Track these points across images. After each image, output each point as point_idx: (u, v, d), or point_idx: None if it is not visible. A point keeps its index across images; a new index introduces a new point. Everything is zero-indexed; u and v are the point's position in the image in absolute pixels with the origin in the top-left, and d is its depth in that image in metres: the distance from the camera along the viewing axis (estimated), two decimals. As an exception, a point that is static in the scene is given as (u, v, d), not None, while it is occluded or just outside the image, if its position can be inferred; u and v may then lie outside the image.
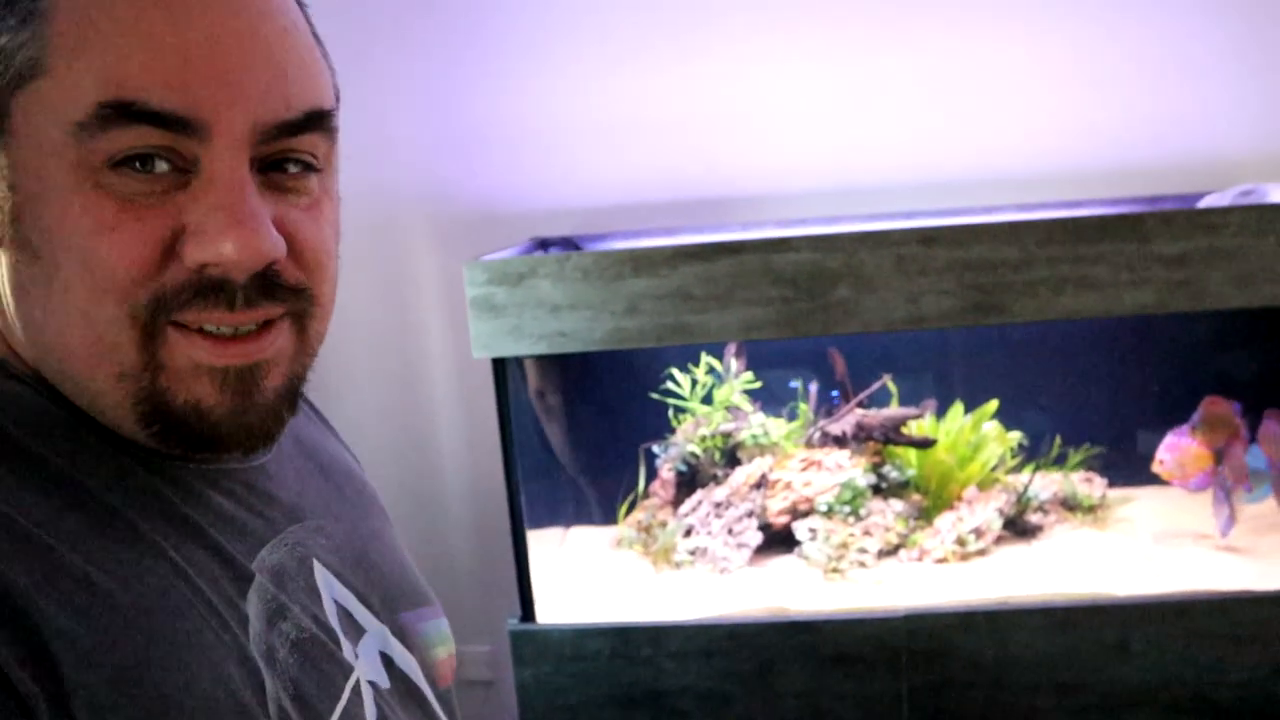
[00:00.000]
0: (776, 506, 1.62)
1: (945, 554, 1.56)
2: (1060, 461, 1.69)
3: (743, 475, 1.64)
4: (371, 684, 0.69)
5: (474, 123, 1.77)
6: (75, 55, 0.54)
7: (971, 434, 1.64)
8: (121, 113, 0.53)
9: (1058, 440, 1.68)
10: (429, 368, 1.84)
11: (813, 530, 1.58)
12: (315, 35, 0.63)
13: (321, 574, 0.71)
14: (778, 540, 1.62)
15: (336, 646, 0.68)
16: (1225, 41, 1.65)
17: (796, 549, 1.60)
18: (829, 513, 1.59)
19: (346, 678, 0.67)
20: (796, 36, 1.70)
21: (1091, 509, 1.66)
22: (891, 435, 1.63)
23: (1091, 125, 1.68)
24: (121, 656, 0.53)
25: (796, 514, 1.61)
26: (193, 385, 0.58)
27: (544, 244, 1.69)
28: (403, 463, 1.84)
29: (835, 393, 1.69)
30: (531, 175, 1.78)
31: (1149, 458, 1.56)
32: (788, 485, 1.63)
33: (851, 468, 1.62)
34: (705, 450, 1.69)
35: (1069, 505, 1.67)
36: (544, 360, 1.62)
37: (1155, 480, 1.58)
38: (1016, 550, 1.60)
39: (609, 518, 1.75)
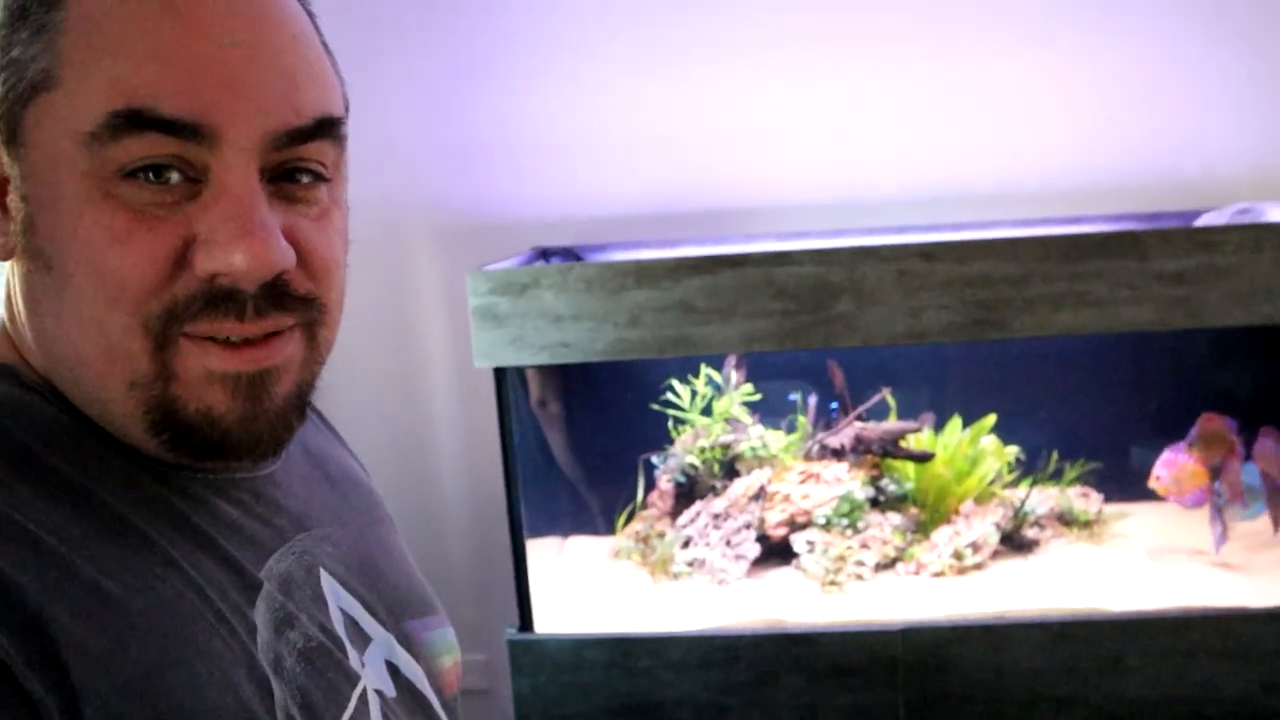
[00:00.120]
0: (775, 519, 1.63)
1: (942, 567, 1.56)
2: (1057, 476, 1.70)
3: (741, 487, 1.64)
4: (378, 692, 0.69)
5: (477, 133, 1.78)
6: (86, 66, 0.54)
7: (969, 448, 1.65)
8: (132, 121, 0.53)
9: (1055, 455, 1.69)
10: (429, 376, 1.85)
11: (810, 543, 1.59)
12: (325, 45, 0.64)
13: (328, 582, 0.71)
14: (775, 552, 1.62)
15: (343, 655, 0.68)
16: (1224, 63, 1.66)
17: (794, 561, 1.60)
18: (827, 525, 1.60)
19: (353, 686, 0.67)
20: (799, 51, 1.71)
21: (1088, 524, 1.67)
22: (890, 449, 1.63)
23: (1090, 142, 1.69)
24: (131, 664, 0.53)
25: (794, 526, 1.62)
26: (204, 393, 0.58)
27: (545, 254, 1.69)
28: (401, 470, 1.84)
29: (835, 405, 1.70)
30: (533, 185, 1.79)
31: (1145, 473, 1.57)
32: (786, 497, 1.63)
33: (850, 481, 1.63)
34: (704, 462, 1.70)
35: (1065, 520, 1.67)
36: (544, 370, 1.63)
37: (1151, 496, 1.58)
38: (1013, 564, 1.60)
39: (607, 528, 1.75)
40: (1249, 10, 1.65)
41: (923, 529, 1.63)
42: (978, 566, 1.58)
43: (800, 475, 1.65)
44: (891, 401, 1.67)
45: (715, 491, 1.67)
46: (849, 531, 1.59)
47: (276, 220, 0.58)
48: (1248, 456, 1.52)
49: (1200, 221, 1.54)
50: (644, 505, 1.74)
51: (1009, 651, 1.39)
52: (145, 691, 0.53)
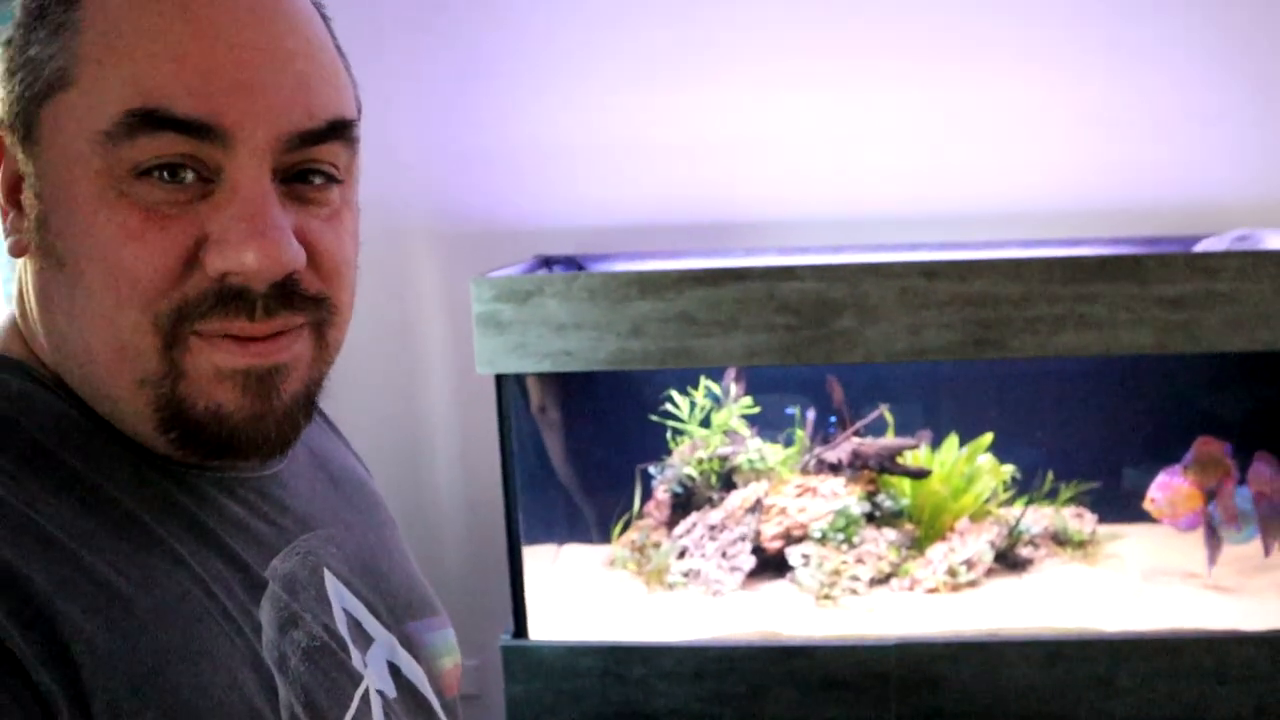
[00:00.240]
0: (770, 531, 1.63)
1: (936, 584, 1.57)
2: (1052, 496, 1.70)
3: (738, 499, 1.65)
4: (380, 693, 0.70)
5: (480, 139, 1.78)
6: (102, 65, 0.55)
7: (966, 466, 1.66)
8: (146, 120, 0.54)
9: (1050, 475, 1.70)
10: (428, 381, 1.85)
11: (806, 556, 1.59)
12: (338, 47, 0.65)
13: (332, 583, 0.72)
14: (770, 565, 1.63)
15: (346, 655, 0.68)
16: (1225, 90, 1.68)
17: (789, 574, 1.61)
18: (822, 539, 1.60)
19: (355, 686, 0.68)
20: (805, 67, 1.72)
21: (1081, 544, 1.68)
22: (887, 464, 1.64)
23: (1091, 166, 1.71)
24: (140, 660, 0.54)
25: (790, 539, 1.62)
26: (213, 391, 0.59)
27: (548, 262, 1.70)
28: (398, 474, 1.84)
29: (833, 419, 1.71)
30: (536, 193, 1.79)
31: (1140, 495, 1.58)
32: (782, 511, 1.64)
33: (846, 495, 1.63)
34: (701, 473, 1.70)
35: (1059, 540, 1.68)
36: (544, 378, 1.63)
37: (1145, 518, 1.59)
38: (1007, 583, 1.61)
39: (603, 537, 1.76)
40: (1250, 38, 1.67)
41: (918, 545, 1.64)
42: (972, 584, 1.58)
43: (797, 489, 1.66)
44: (889, 418, 1.68)
45: (712, 503, 1.68)
46: (844, 546, 1.60)
47: (288, 220, 0.58)
48: (1242, 480, 1.53)
49: (1199, 247, 1.56)
50: (640, 515, 1.74)
51: (1002, 669, 1.40)
52: (152, 688, 0.54)
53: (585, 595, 1.62)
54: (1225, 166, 1.69)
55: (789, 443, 1.74)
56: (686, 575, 1.61)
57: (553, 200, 1.79)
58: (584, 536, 1.80)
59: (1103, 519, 1.70)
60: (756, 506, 1.64)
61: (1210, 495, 1.53)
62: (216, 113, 0.55)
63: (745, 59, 1.73)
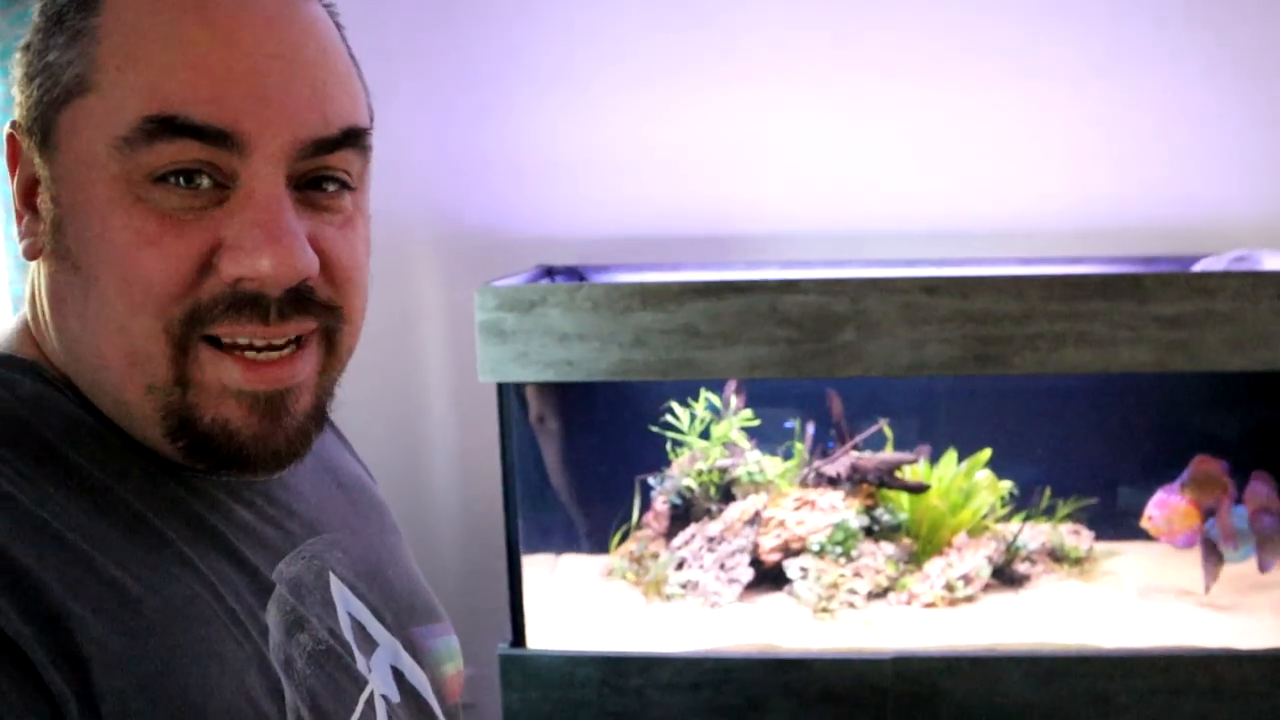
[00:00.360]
0: (769, 544, 1.63)
1: (934, 598, 1.57)
2: (1049, 513, 1.71)
3: (737, 511, 1.65)
4: (384, 697, 0.70)
5: (483, 150, 1.79)
6: (121, 72, 0.56)
7: (964, 481, 1.66)
8: (164, 127, 0.55)
9: (1048, 492, 1.71)
10: (428, 389, 1.86)
11: (804, 569, 1.60)
12: (352, 56, 0.66)
13: (337, 587, 0.72)
14: (768, 577, 1.63)
15: (351, 659, 0.69)
16: (1226, 112, 1.69)
17: (787, 587, 1.61)
18: (820, 552, 1.61)
19: (360, 691, 0.68)
20: (808, 82, 1.73)
21: (1079, 561, 1.68)
22: (885, 479, 1.65)
23: (1093, 185, 1.72)
24: (149, 662, 0.54)
25: (788, 552, 1.63)
26: (221, 405, 0.59)
27: (550, 272, 1.71)
28: (397, 481, 1.84)
29: (831, 438, 1.71)
30: (539, 204, 1.80)
31: (1137, 513, 1.59)
32: (781, 523, 1.64)
33: (844, 509, 1.64)
34: (701, 485, 1.71)
35: (1056, 556, 1.69)
36: (544, 387, 1.64)
37: (1141, 535, 1.60)
38: (1004, 598, 1.61)
39: (601, 547, 1.76)
40: (1252, 59, 1.68)
41: (915, 559, 1.64)
42: (969, 599, 1.59)
43: (796, 502, 1.66)
44: (888, 432, 1.69)
45: (710, 515, 1.68)
46: (842, 559, 1.60)
47: (302, 227, 0.59)
48: (1239, 499, 1.53)
49: (1198, 267, 1.57)
50: (639, 525, 1.74)
51: (998, 684, 1.40)
52: (161, 690, 0.54)
53: (583, 605, 1.62)
54: (1225, 187, 1.70)
55: (788, 456, 1.74)
56: (684, 586, 1.62)
57: (555, 210, 1.80)
58: (582, 546, 1.81)
59: (1100, 536, 1.71)
60: (755, 519, 1.64)
61: (1208, 514, 1.53)
62: (233, 120, 0.56)
63: (749, 73, 1.74)
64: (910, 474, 1.65)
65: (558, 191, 1.79)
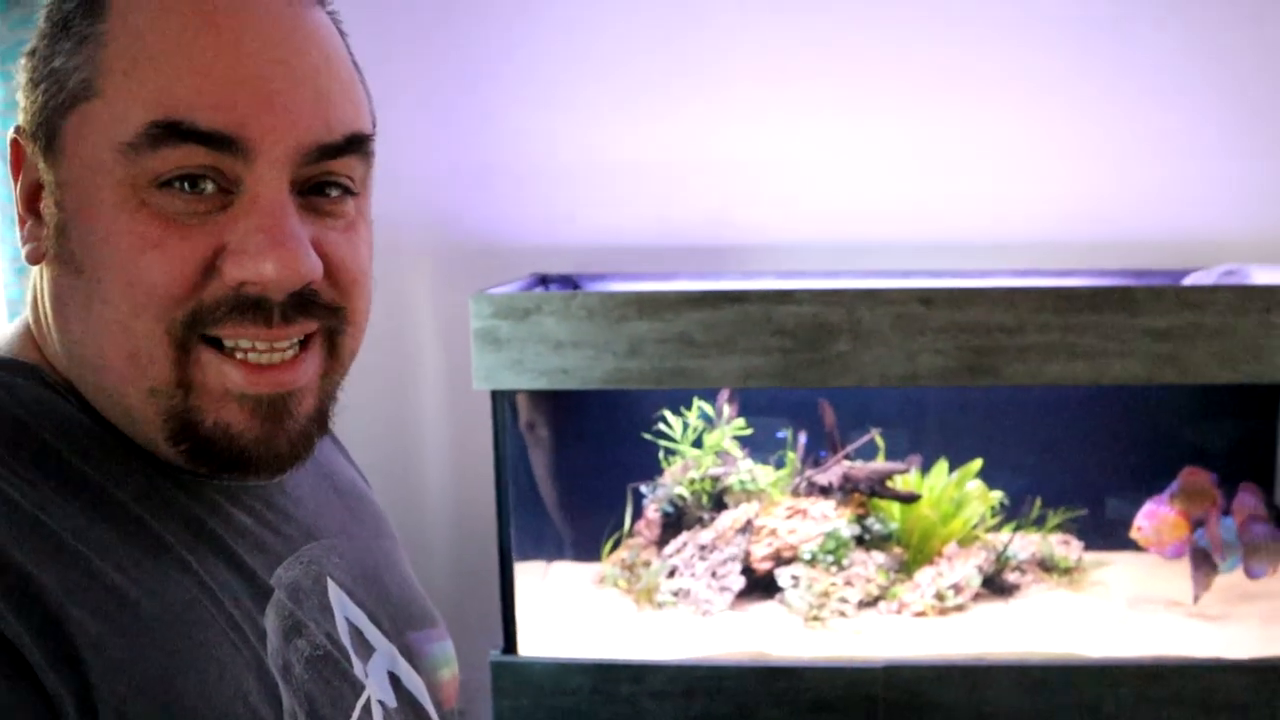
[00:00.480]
0: (760, 552, 1.64)
1: (924, 607, 1.58)
2: (1040, 523, 1.72)
3: (728, 520, 1.66)
4: (380, 703, 0.71)
5: (479, 158, 1.80)
6: (128, 78, 0.56)
7: (955, 491, 1.67)
8: (170, 132, 0.55)
9: (1038, 502, 1.72)
10: (422, 395, 1.86)
11: (795, 578, 1.60)
12: (355, 63, 0.66)
13: (335, 592, 0.72)
14: (760, 586, 1.64)
15: (348, 664, 0.69)
16: (1215, 128, 1.71)
17: (778, 595, 1.61)
18: (812, 561, 1.61)
19: (357, 696, 0.68)
20: (803, 94, 1.75)
21: (1068, 571, 1.69)
22: (877, 488, 1.65)
23: (1085, 199, 1.73)
24: (147, 666, 0.54)
25: (780, 561, 1.63)
26: (222, 409, 0.59)
27: (544, 280, 1.71)
28: (390, 487, 1.84)
29: (824, 449, 1.72)
30: (533, 212, 1.81)
31: (1126, 524, 1.60)
32: (772, 532, 1.65)
33: (836, 518, 1.64)
34: (693, 493, 1.71)
35: (1046, 566, 1.70)
36: (537, 395, 1.64)
37: (1130, 546, 1.61)
38: (993, 608, 1.62)
39: (593, 554, 1.76)
40: (1241, 77, 1.70)
41: (906, 569, 1.65)
42: (959, 608, 1.60)
43: (787, 510, 1.67)
44: (880, 442, 1.69)
45: (702, 523, 1.69)
46: (834, 568, 1.61)
47: (306, 232, 0.59)
48: (1227, 511, 1.55)
49: (1188, 281, 1.58)
50: (631, 533, 1.75)
51: (988, 693, 1.41)
52: (159, 694, 0.54)
53: (575, 613, 1.63)
54: (1214, 203, 1.72)
55: (780, 465, 1.75)
56: (676, 594, 1.62)
57: (550, 219, 1.81)
58: (574, 554, 1.81)
59: (1089, 546, 1.72)
60: (747, 527, 1.65)
61: (1196, 525, 1.54)
62: (238, 125, 0.56)
63: (745, 84, 1.75)
64: (901, 484, 1.66)
65: (553, 200, 1.80)
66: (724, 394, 1.72)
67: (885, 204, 1.75)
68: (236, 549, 0.64)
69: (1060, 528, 1.72)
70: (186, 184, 0.56)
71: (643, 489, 1.74)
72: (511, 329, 1.39)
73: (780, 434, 1.76)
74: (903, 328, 1.35)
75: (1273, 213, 1.72)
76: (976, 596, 1.62)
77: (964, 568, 1.62)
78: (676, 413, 1.72)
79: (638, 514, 1.75)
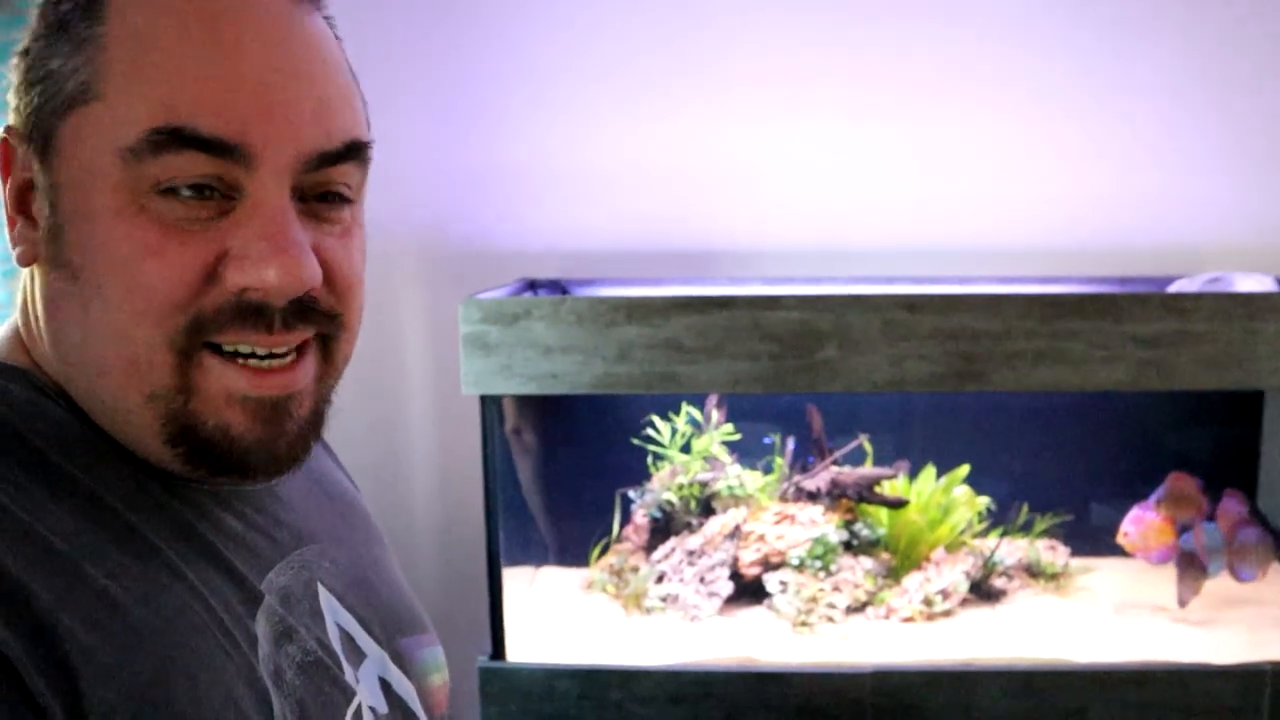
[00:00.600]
0: (748, 558, 1.64)
1: (912, 613, 1.58)
2: (1026, 528, 1.73)
3: (717, 525, 1.66)
4: (371, 709, 0.70)
5: (467, 163, 1.80)
6: (129, 82, 0.56)
7: (942, 497, 1.68)
8: (172, 138, 0.55)
9: (1025, 507, 1.72)
10: (410, 401, 1.85)
11: (783, 583, 1.60)
12: (351, 71, 0.66)
13: (325, 598, 0.72)
14: (748, 591, 1.64)
15: (339, 670, 0.69)
16: (1199, 137, 1.73)
17: (766, 601, 1.62)
18: (800, 567, 1.62)
19: (348, 702, 0.68)
20: (790, 100, 1.75)
21: (1054, 576, 1.70)
22: (865, 494, 1.66)
23: (1070, 206, 1.74)
24: (138, 673, 0.54)
25: (768, 566, 1.64)
26: (224, 411, 0.60)
27: (533, 285, 1.72)
28: (377, 492, 1.84)
29: (811, 456, 1.72)
30: (522, 217, 1.81)
31: (1112, 529, 1.61)
32: (760, 537, 1.65)
33: (824, 523, 1.65)
34: (681, 498, 1.71)
35: (1033, 572, 1.70)
36: (524, 400, 1.64)
37: (1116, 551, 1.62)
38: (981, 613, 1.63)
39: (581, 560, 1.76)
40: (1226, 85, 1.72)
41: (894, 574, 1.65)
42: (946, 613, 1.60)
43: (775, 516, 1.67)
44: (868, 448, 1.70)
45: (691, 528, 1.69)
46: (822, 574, 1.61)
47: (305, 238, 0.60)
48: (1211, 516, 1.56)
49: (1173, 288, 1.59)
50: (619, 539, 1.75)
51: (976, 698, 1.42)
52: (149, 700, 0.54)
53: (563, 618, 1.62)
54: (1199, 211, 1.73)
55: (768, 470, 1.75)
56: (664, 600, 1.62)
57: (539, 224, 1.81)
58: (562, 559, 1.81)
59: (1075, 552, 1.73)
60: (735, 533, 1.65)
61: (1182, 530, 1.55)
62: (241, 133, 0.56)
63: (734, 90, 1.76)
64: (889, 489, 1.66)
65: (541, 205, 1.80)
66: (712, 399, 1.72)
67: (873, 210, 1.76)
68: (227, 554, 0.64)
69: (1047, 533, 1.73)
70: (187, 190, 0.56)
71: (631, 494, 1.74)
72: (501, 334, 1.39)
73: (768, 440, 1.77)
74: (890, 334, 1.35)
75: (1255, 221, 1.74)
76: (964, 602, 1.63)
77: (951, 573, 1.62)
78: (665, 418, 1.72)
79: (626, 519, 1.75)
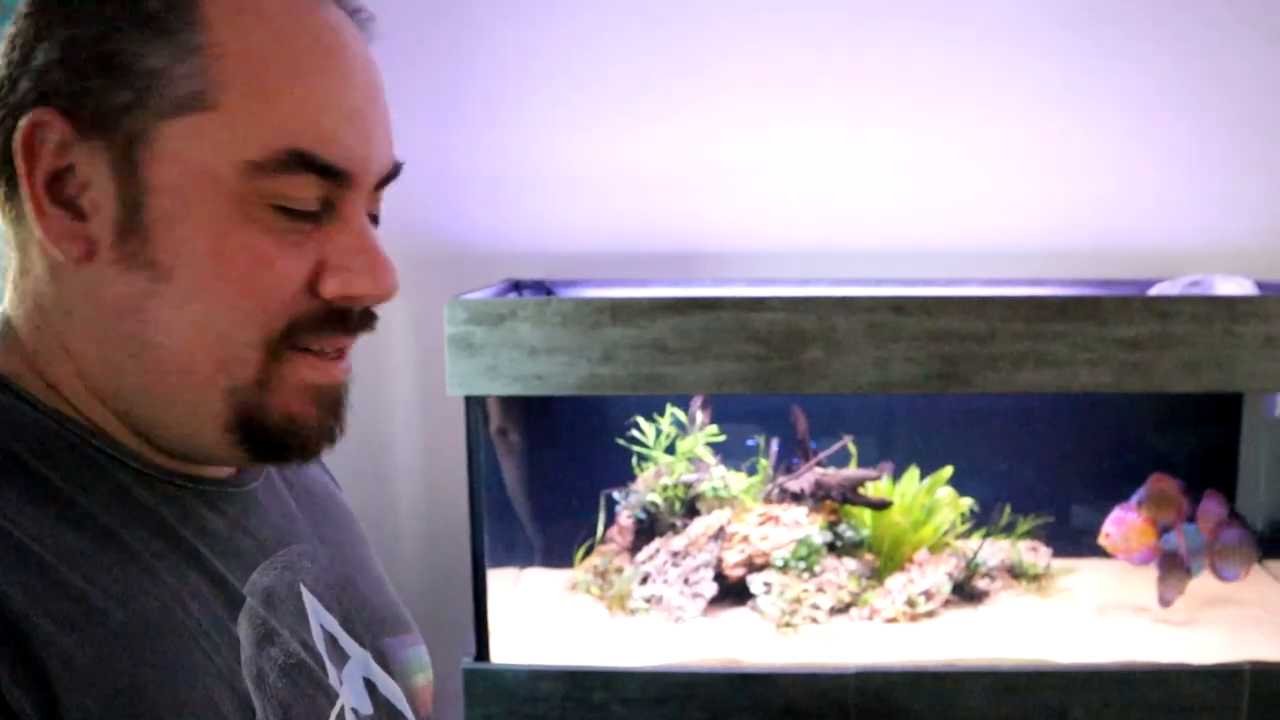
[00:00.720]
0: (733, 559, 1.64)
1: (895, 614, 1.59)
2: (1009, 530, 1.74)
3: (701, 526, 1.66)
4: (354, 711, 0.70)
5: (453, 164, 1.79)
6: (249, 100, 0.58)
7: (926, 498, 1.68)
8: (296, 161, 0.58)
9: (1007, 509, 1.73)
10: (395, 401, 1.85)
11: (767, 584, 1.61)
12: None
13: (308, 598, 0.72)
14: (732, 592, 1.64)
15: (323, 672, 0.69)
16: (1180, 142, 1.74)
17: (750, 602, 1.62)
18: (784, 568, 1.62)
19: (332, 704, 0.68)
20: (775, 102, 1.76)
21: (1036, 577, 1.71)
22: (849, 495, 1.66)
23: (1054, 209, 1.76)
24: (115, 677, 0.54)
25: (752, 567, 1.64)
26: (293, 402, 0.63)
27: (518, 286, 1.71)
28: (361, 492, 1.83)
29: (795, 458, 1.73)
30: (506, 218, 1.81)
31: (1093, 530, 1.62)
32: (745, 538, 1.65)
33: (808, 525, 1.65)
34: (665, 499, 1.71)
35: (1015, 573, 1.71)
36: (509, 401, 1.64)
37: (1098, 552, 1.63)
38: (963, 614, 1.63)
39: (565, 561, 1.76)
40: (1204, 94, 1.73)
41: (877, 575, 1.66)
42: (929, 614, 1.61)
43: (760, 517, 1.67)
44: (852, 449, 1.70)
45: (675, 529, 1.69)
46: (806, 575, 1.61)
47: None
48: (1192, 517, 1.57)
49: (1153, 291, 1.60)
50: (603, 540, 1.75)
51: (958, 698, 1.42)
52: (128, 705, 0.54)
53: (547, 619, 1.62)
54: (1180, 214, 1.75)
55: (753, 471, 1.75)
56: (649, 601, 1.62)
57: (523, 225, 1.80)
58: (546, 560, 1.80)
59: (1057, 553, 1.74)
60: (719, 534, 1.65)
61: (1163, 531, 1.56)
62: (348, 160, 0.61)
63: (719, 92, 1.76)
64: (873, 490, 1.67)
65: (527, 206, 1.79)
66: (697, 400, 1.72)
67: (858, 212, 1.77)
68: (209, 556, 0.64)
69: (1029, 534, 1.74)
70: (296, 207, 0.60)
71: (616, 495, 1.74)
72: (486, 335, 1.39)
73: (751, 441, 1.77)
74: (875, 335, 1.36)
75: (1236, 224, 1.75)
76: (947, 603, 1.64)
77: (934, 574, 1.63)
78: (650, 419, 1.72)
79: (610, 520, 1.75)
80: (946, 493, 1.69)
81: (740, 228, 1.78)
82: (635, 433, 1.72)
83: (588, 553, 1.74)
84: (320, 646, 0.70)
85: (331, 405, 0.66)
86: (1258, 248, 1.75)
